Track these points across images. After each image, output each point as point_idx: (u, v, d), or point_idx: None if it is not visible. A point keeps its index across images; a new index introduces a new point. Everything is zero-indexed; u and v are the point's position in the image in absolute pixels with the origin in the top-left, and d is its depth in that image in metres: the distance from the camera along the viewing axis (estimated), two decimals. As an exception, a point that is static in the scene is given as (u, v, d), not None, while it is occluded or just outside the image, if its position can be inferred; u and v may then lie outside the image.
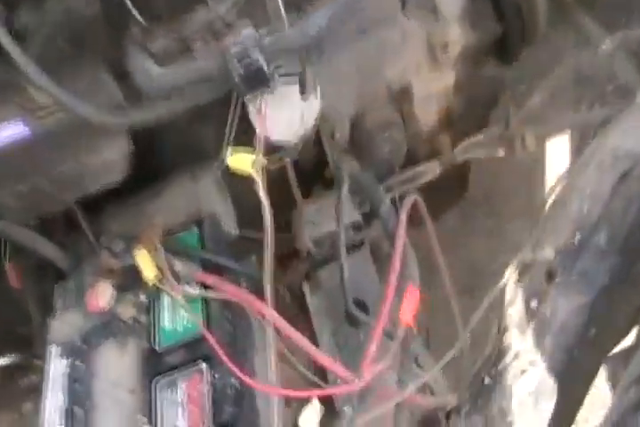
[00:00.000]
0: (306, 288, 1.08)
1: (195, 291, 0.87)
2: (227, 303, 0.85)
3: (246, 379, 0.74)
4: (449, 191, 1.40)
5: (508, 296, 0.90)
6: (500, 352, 0.87)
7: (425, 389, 0.91)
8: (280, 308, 1.29)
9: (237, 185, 1.19)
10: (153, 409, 0.79)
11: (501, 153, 1.19)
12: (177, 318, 0.87)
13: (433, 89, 1.20)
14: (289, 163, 1.17)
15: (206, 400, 0.77)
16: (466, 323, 1.02)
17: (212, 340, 0.78)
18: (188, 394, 0.78)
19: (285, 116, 1.05)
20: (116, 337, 0.88)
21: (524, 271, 0.90)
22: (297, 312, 1.14)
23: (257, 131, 0.80)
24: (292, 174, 1.16)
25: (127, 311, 0.88)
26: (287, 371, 0.87)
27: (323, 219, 1.05)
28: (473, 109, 1.24)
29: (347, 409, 0.75)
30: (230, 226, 0.99)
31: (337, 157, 1.11)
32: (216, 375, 0.78)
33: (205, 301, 0.87)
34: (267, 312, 0.76)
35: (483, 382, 0.87)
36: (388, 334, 0.94)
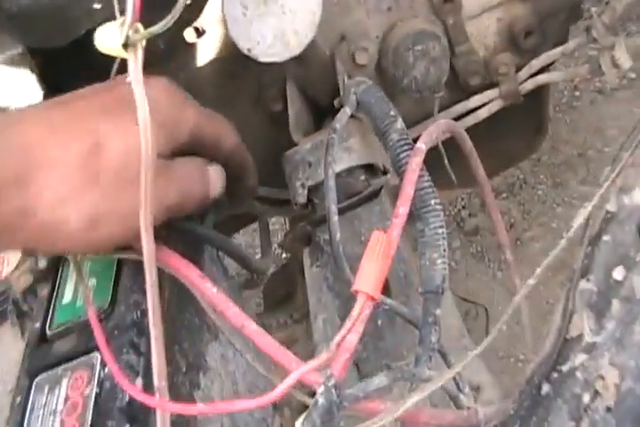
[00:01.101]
0: (305, 256, 0.80)
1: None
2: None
3: (125, 384, 0.47)
4: (518, 135, 1.08)
5: (579, 262, 0.59)
6: (565, 347, 0.57)
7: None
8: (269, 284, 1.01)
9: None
10: (26, 419, 0.53)
11: (583, 74, 0.88)
12: (80, 288, 0.60)
13: (489, -4, 0.90)
14: (294, 90, 0.90)
15: (88, 411, 0.50)
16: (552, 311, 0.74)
17: (94, 322, 0.52)
18: (69, 400, 0.52)
19: (271, 26, 0.78)
20: (10, 317, 0.63)
21: (604, 226, 0.60)
22: (286, 290, 0.87)
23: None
24: (294, 107, 0.89)
25: (22, 281, 0.62)
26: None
27: (322, 160, 0.76)
28: (545, 24, 0.92)
29: (301, 431, 0.48)
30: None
31: (348, 78, 0.82)
32: (105, 374, 0.51)
33: (120, 265, 0.60)
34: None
35: (539, 392, 0.56)
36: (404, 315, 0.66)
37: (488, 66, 0.92)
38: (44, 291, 0.62)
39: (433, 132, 0.65)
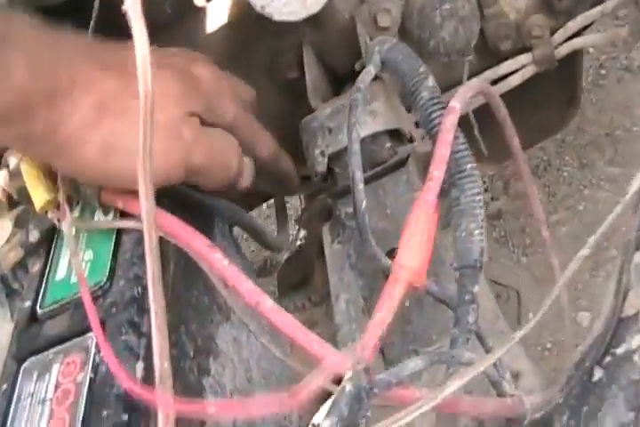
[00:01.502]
0: (325, 232, 0.73)
1: (96, 219, 0.54)
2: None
3: (121, 376, 0.41)
4: (550, 105, 1.01)
5: (634, 232, 0.53)
6: (619, 328, 0.50)
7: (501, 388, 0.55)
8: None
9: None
10: (12, 409, 0.47)
11: (623, 36, 0.81)
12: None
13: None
14: (311, 56, 0.84)
15: (80, 399, 0.44)
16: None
17: (86, 297, 0.45)
18: (59, 387, 0.46)
19: None
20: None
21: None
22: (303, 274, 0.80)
23: None
24: (311, 73, 0.82)
25: (11, 256, 0.56)
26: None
27: (344, 125, 0.69)
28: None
29: (325, 424, 0.41)
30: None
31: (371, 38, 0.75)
32: (101, 358, 0.45)
33: (119, 237, 0.54)
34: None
35: (590, 378, 0.50)
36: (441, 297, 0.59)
37: (520, 29, 0.84)
38: (35, 266, 0.56)
39: (467, 92, 0.58)
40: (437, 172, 0.52)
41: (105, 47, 0.54)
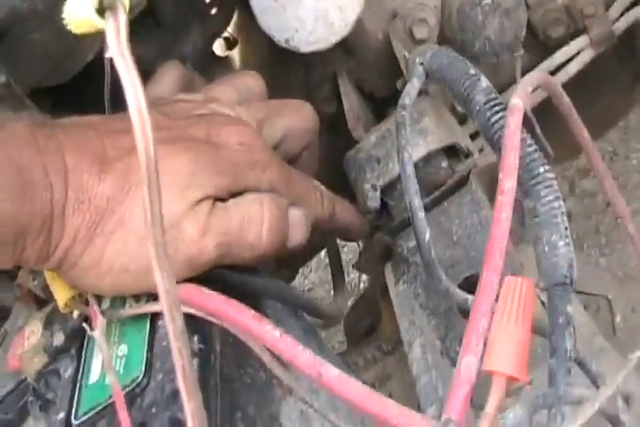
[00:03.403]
0: (388, 272, 0.64)
1: (127, 306, 0.47)
2: (196, 325, 0.44)
3: None
4: (612, 89, 0.90)
5: None
6: None
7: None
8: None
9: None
10: None
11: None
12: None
13: None
14: (347, 85, 0.76)
15: None
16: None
17: (119, 402, 0.37)
18: None
19: (309, 6, 0.65)
20: (31, 411, 0.48)
21: None
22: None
23: None
24: (349, 101, 0.75)
25: (34, 362, 0.49)
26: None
27: (393, 151, 0.61)
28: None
29: None
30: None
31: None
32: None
33: (153, 324, 0.46)
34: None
35: None
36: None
37: (570, 11, 0.75)
38: (68, 371, 0.48)
39: (528, 86, 0.50)
40: (508, 181, 0.43)
41: (111, 129, 0.48)
